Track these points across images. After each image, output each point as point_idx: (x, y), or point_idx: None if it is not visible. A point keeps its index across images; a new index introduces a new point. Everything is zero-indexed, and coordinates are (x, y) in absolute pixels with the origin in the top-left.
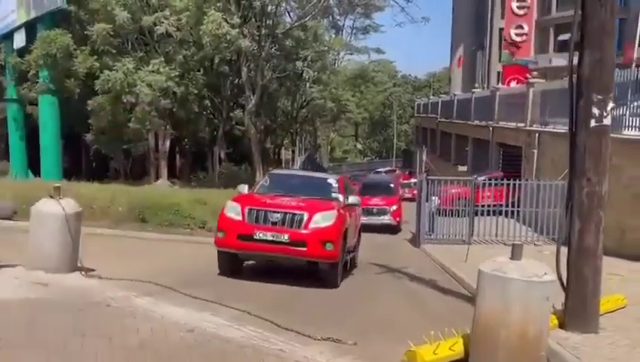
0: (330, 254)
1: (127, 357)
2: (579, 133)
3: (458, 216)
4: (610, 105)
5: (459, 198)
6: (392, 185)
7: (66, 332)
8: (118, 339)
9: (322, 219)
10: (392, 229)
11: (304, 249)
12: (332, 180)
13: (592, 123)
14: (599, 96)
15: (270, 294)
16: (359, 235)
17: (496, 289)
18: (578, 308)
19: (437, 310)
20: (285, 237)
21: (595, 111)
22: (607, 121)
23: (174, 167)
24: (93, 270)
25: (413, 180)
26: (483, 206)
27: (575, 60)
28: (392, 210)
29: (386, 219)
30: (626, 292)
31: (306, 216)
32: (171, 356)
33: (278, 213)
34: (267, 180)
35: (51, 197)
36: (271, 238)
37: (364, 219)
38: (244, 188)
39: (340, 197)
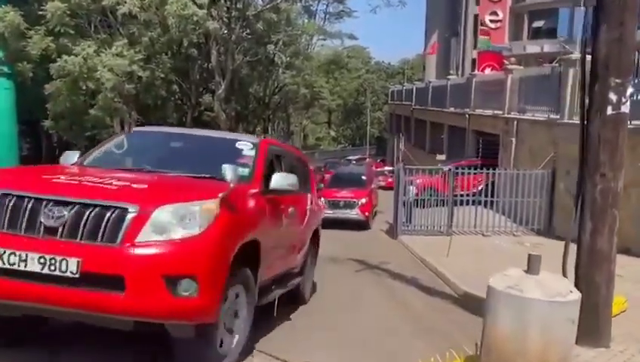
0: (191, 306)
1: None
2: (592, 121)
3: (433, 206)
4: (630, 90)
5: (430, 187)
6: (363, 177)
7: None
8: None
9: (170, 223)
10: (360, 225)
11: (115, 296)
12: (244, 143)
13: (609, 110)
14: (617, 80)
15: None
16: (313, 247)
17: (512, 311)
18: (589, 319)
19: (425, 317)
20: (68, 267)
21: (613, 97)
22: (625, 109)
23: None
24: None
25: (386, 168)
26: (456, 196)
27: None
28: (360, 203)
29: (353, 213)
30: (621, 291)
31: (131, 215)
32: None
33: (62, 205)
34: (118, 144)
35: None
36: (36, 270)
37: (328, 213)
38: (72, 157)
39: (245, 172)
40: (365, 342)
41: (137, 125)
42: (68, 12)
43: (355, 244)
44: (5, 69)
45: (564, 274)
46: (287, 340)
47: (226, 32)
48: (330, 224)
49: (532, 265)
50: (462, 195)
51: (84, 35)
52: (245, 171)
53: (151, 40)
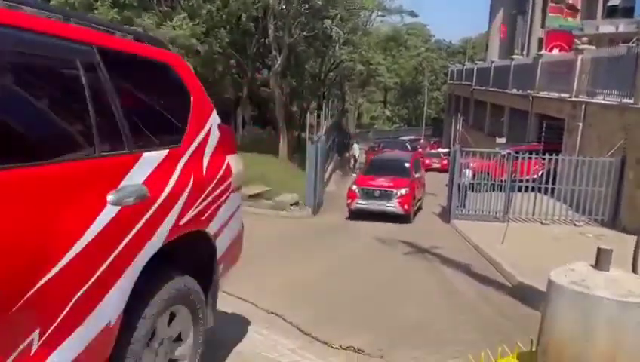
0: None
1: None
2: None
3: (489, 191)
4: None
5: (484, 172)
6: (406, 165)
7: None
8: None
9: None
10: (399, 218)
11: None
12: None
13: None
14: None
15: (291, 274)
16: None
17: (576, 310)
18: None
19: (477, 307)
20: None
21: None
22: None
23: None
24: None
25: (440, 150)
26: (514, 181)
27: None
28: (399, 194)
29: (391, 205)
30: None
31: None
32: None
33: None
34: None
35: None
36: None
37: (361, 203)
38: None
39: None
40: (413, 331)
41: None
42: None
43: (406, 227)
44: None
45: (635, 271)
46: (329, 324)
47: (284, 6)
48: (364, 216)
49: (602, 259)
50: (520, 181)
51: (147, 8)
52: None
53: (210, 13)
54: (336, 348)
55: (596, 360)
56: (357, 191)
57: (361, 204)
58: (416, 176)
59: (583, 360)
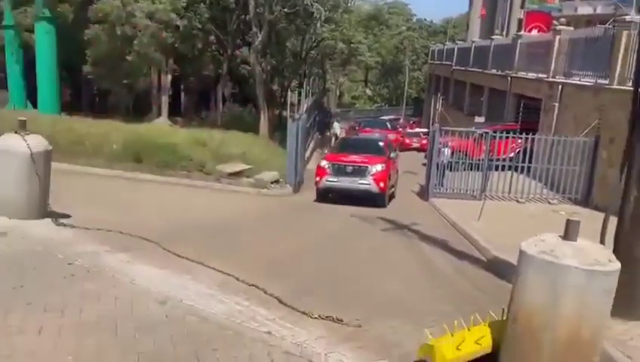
0: None
1: (76, 338)
2: None
3: (467, 170)
4: None
5: (459, 151)
6: (380, 144)
7: (6, 297)
8: (71, 312)
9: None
10: (373, 200)
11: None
12: None
13: None
14: None
15: (270, 250)
16: None
17: (545, 279)
18: (624, 291)
19: (453, 281)
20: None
21: None
22: None
23: (179, 105)
24: (67, 216)
25: (419, 129)
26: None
27: None
28: (374, 170)
29: (364, 182)
30: None
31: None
32: (131, 337)
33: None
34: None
35: (16, 132)
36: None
37: (331, 181)
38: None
39: None
40: (390, 303)
41: (174, 75)
42: None
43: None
44: (47, 13)
45: (602, 243)
46: (307, 296)
47: None
48: (333, 199)
49: (570, 230)
50: (497, 160)
51: None
52: None
53: None
54: (316, 318)
55: (562, 324)
56: (327, 167)
57: (332, 181)
58: (392, 156)
59: (551, 326)
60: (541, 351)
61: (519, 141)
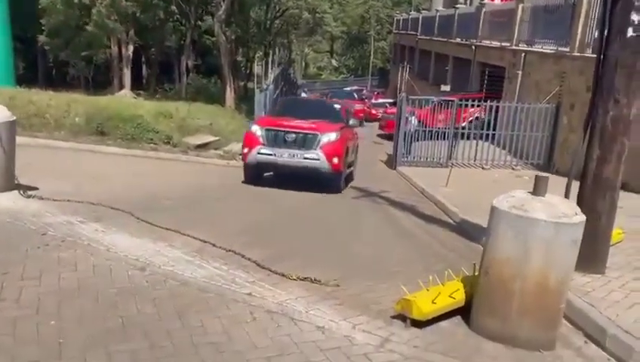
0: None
1: (57, 304)
2: (611, 44)
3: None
4: None
5: (419, 121)
6: (336, 107)
7: None
8: (49, 279)
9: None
10: (326, 180)
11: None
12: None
13: (629, 32)
14: None
15: (243, 219)
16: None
17: (515, 232)
18: (586, 246)
19: (424, 243)
20: None
21: (635, 17)
22: None
23: (141, 77)
24: (35, 188)
25: (384, 100)
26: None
27: None
28: (325, 140)
29: (311, 157)
30: (616, 224)
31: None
32: (113, 302)
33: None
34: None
35: None
36: None
37: (265, 154)
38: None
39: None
40: (364, 265)
41: (135, 46)
42: None
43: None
44: None
45: (567, 197)
46: (287, 262)
47: None
48: (269, 181)
49: (538, 186)
50: (456, 128)
51: None
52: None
53: None
54: (294, 279)
55: (531, 275)
56: (259, 134)
57: (265, 154)
58: (351, 124)
59: (520, 275)
60: (511, 300)
61: (471, 110)
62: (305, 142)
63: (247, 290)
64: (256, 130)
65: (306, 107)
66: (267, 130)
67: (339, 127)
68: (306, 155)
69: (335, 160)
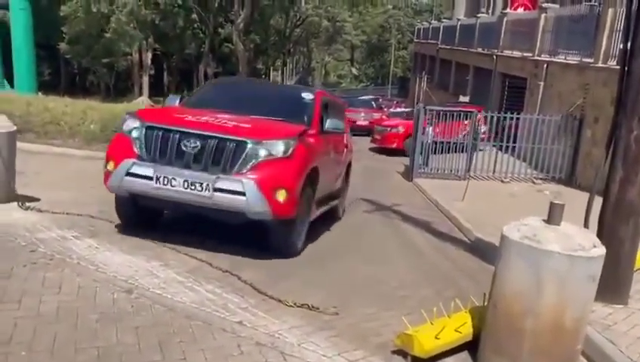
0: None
1: (32, 331)
2: (635, 58)
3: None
4: None
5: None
6: (304, 97)
7: None
8: (30, 302)
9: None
10: (268, 232)
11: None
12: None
13: None
14: None
15: None
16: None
17: (527, 264)
18: (608, 274)
19: (434, 263)
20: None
21: None
22: None
23: (162, 84)
24: (37, 200)
25: (402, 109)
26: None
27: None
28: (258, 156)
29: (229, 186)
30: None
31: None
32: (92, 330)
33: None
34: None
35: None
36: None
37: (143, 172)
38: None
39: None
40: (368, 287)
41: (154, 54)
42: None
43: (367, 183)
44: None
45: (586, 225)
46: (285, 283)
47: None
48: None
49: (553, 214)
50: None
51: None
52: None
53: None
54: (290, 306)
55: (544, 312)
56: (134, 136)
57: (140, 176)
58: (327, 128)
59: (532, 312)
60: (522, 338)
61: (466, 122)
62: (219, 157)
63: (238, 318)
64: (132, 127)
65: (252, 95)
66: (149, 128)
67: (297, 132)
68: (220, 185)
69: (280, 195)
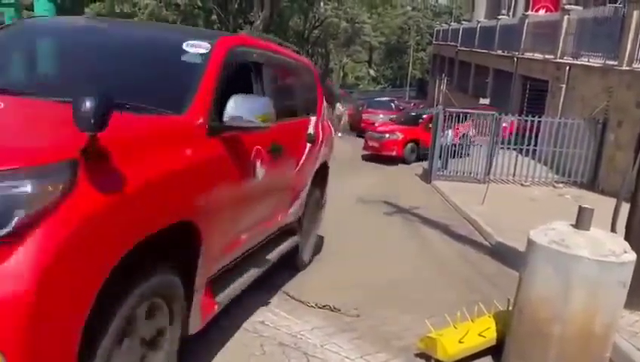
0: None
1: None
2: None
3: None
4: None
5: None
6: (191, 56)
7: None
8: None
9: None
10: None
11: None
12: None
13: None
14: None
15: None
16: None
17: (555, 269)
18: (636, 280)
19: (455, 267)
20: None
21: None
22: None
23: None
24: None
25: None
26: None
27: None
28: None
29: None
30: None
31: None
32: None
33: None
34: None
35: None
36: None
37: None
38: None
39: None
40: (389, 290)
41: None
42: None
43: (386, 185)
44: None
45: (613, 231)
46: (307, 284)
47: None
48: None
49: (582, 219)
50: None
51: None
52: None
53: None
54: (312, 306)
55: (572, 319)
56: None
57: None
58: (247, 116)
59: (559, 318)
60: (548, 345)
61: (465, 125)
62: None
63: (260, 318)
64: None
65: (82, 50)
66: None
67: (67, 149)
68: None
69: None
